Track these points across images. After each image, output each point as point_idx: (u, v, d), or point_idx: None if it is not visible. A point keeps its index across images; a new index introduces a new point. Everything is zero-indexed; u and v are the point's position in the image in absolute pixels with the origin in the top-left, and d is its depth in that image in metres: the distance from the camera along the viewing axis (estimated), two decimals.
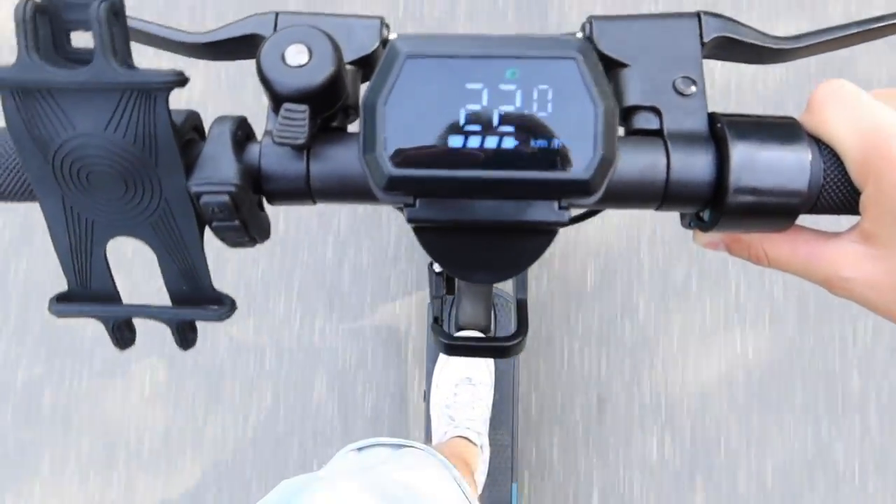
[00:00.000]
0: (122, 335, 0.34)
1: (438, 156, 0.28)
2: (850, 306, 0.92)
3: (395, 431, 1.25)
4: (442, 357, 1.17)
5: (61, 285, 0.32)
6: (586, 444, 1.25)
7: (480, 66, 0.28)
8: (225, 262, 1.33)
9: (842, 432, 1.25)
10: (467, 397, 1.11)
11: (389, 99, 0.28)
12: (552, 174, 0.28)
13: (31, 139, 0.28)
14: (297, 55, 0.29)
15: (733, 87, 1.34)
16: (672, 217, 0.35)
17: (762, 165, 0.29)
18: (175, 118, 0.30)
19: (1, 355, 1.32)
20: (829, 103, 0.30)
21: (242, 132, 0.31)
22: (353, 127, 0.32)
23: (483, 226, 0.30)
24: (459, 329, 1.10)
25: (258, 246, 0.32)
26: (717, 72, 1.33)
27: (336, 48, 0.29)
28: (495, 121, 0.28)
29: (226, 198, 0.29)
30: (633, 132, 0.33)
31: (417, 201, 0.30)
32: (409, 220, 0.30)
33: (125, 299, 0.33)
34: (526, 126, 0.28)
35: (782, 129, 0.30)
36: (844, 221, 0.31)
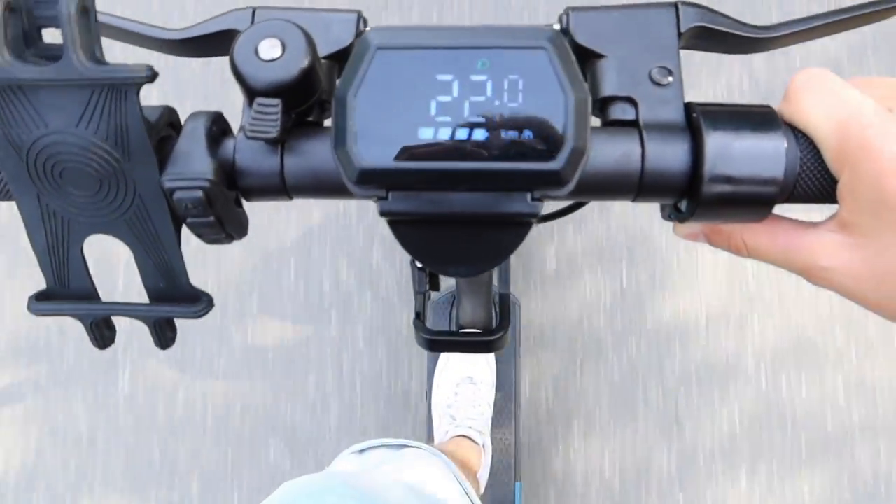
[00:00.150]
0: (102, 334, 0.34)
1: (409, 148, 0.28)
2: None
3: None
4: (443, 357, 1.16)
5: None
6: None
7: (451, 57, 0.28)
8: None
9: None
10: (469, 396, 1.11)
11: (360, 91, 0.28)
12: (523, 165, 0.28)
13: (5, 137, 0.28)
14: (270, 49, 0.29)
15: None
16: None
17: (737, 154, 0.29)
18: (150, 114, 0.30)
19: None
20: (806, 91, 0.30)
21: (217, 127, 0.31)
22: (330, 122, 0.32)
23: (456, 218, 0.30)
24: (460, 328, 1.10)
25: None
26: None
27: (310, 42, 0.29)
28: (466, 112, 0.28)
29: (199, 193, 0.29)
30: (609, 123, 0.32)
31: (390, 194, 0.30)
32: (382, 214, 0.30)
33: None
34: (497, 117, 0.28)
35: (758, 118, 0.30)
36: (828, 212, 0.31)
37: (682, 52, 0.33)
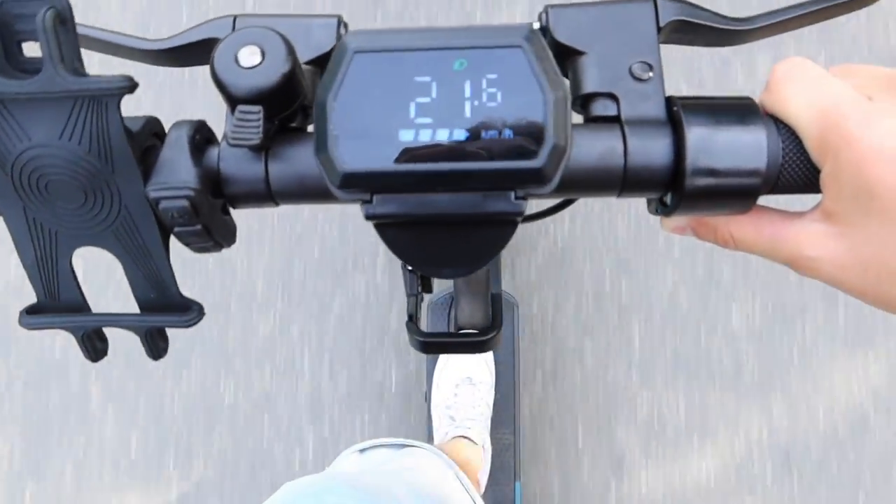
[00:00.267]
0: (94, 345, 0.34)
1: (390, 151, 0.28)
2: None
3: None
4: (442, 358, 1.16)
5: None
6: None
7: (428, 59, 0.28)
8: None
9: None
10: (468, 397, 1.11)
11: (339, 96, 0.28)
12: (505, 164, 0.28)
13: None
14: (249, 56, 0.29)
15: None
16: None
17: (719, 146, 0.29)
18: (132, 125, 0.30)
19: None
20: (787, 81, 0.30)
21: (201, 136, 0.31)
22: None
23: (441, 219, 0.30)
24: (459, 329, 1.10)
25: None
26: None
27: (289, 48, 0.29)
28: (445, 113, 0.28)
29: (185, 202, 0.29)
30: (591, 119, 0.32)
31: (374, 198, 0.30)
32: (367, 217, 0.30)
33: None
34: (476, 117, 0.28)
35: (739, 110, 0.30)
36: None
37: (662, 47, 0.33)
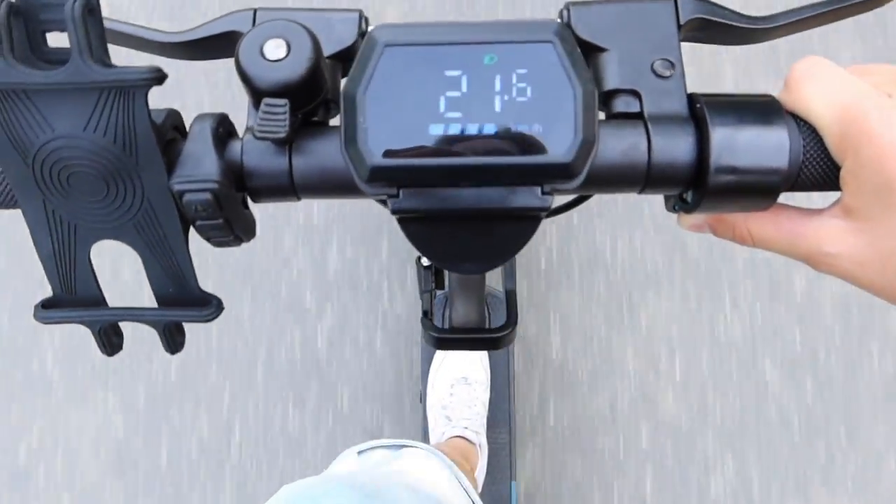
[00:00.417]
0: (110, 340, 0.33)
1: (420, 145, 0.28)
2: None
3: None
4: (437, 357, 1.16)
5: None
6: None
7: (458, 53, 0.28)
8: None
9: None
10: (463, 397, 1.11)
11: (369, 89, 0.28)
12: (533, 158, 0.28)
13: (10, 143, 0.28)
14: (275, 49, 0.29)
15: None
16: None
17: (742, 144, 0.29)
18: (155, 117, 0.29)
19: None
20: (807, 80, 0.30)
21: (224, 129, 0.31)
22: (335, 121, 0.33)
23: (467, 214, 0.30)
24: (453, 328, 1.10)
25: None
26: None
27: (315, 41, 0.29)
28: (475, 107, 0.28)
29: (208, 195, 0.29)
30: (613, 116, 0.33)
31: (401, 192, 0.30)
32: (394, 212, 0.30)
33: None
34: (506, 111, 0.28)
35: (761, 108, 0.30)
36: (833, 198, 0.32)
37: (682, 45, 0.33)
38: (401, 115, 0.28)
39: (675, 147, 0.31)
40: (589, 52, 0.33)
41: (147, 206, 0.30)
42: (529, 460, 1.24)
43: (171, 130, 0.31)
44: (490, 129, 0.28)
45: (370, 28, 0.34)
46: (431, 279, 0.48)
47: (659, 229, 1.32)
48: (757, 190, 0.30)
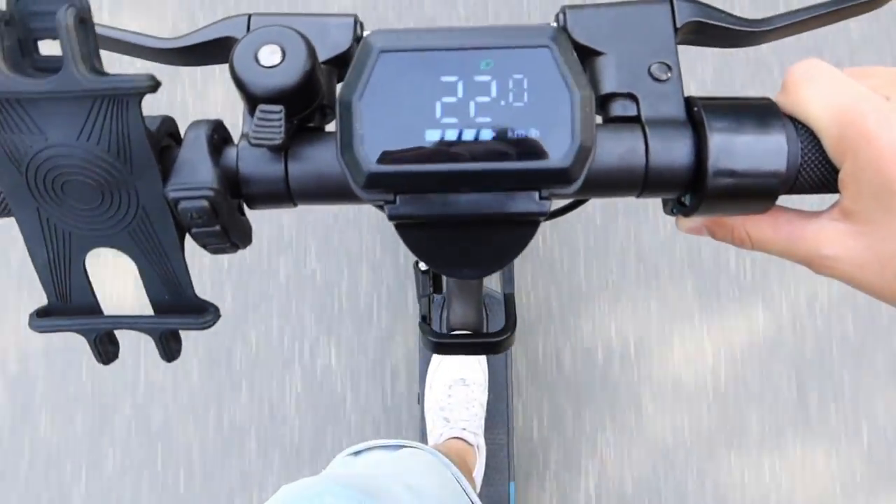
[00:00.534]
0: (105, 348, 0.33)
1: (416, 150, 0.28)
2: None
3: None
4: (434, 359, 1.16)
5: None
6: None
7: (454, 59, 0.28)
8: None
9: None
10: (461, 398, 1.11)
11: (364, 95, 0.28)
12: (531, 164, 0.28)
13: (3, 152, 0.28)
14: (270, 55, 0.28)
15: None
16: None
17: (740, 147, 0.29)
18: (149, 124, 0.29)
19: None
20: (804, 83, 0.30)
21: (219, 136, 0.31)
22: (331, 127, 0.32)
23: (464, 220, 0.30)
24: (451, 330, 1.10)
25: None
26: None
27: (310, 47, 0.29)
28: (472, 112, 0.28)
29: (204, 202, 0.29)
30: (610, 120, 0.33)
31: (398, 198, 0.30)
32: (391, 218, 0.30)
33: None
34: (502, 116, 0.28)
35: (759, 111, 0.30)
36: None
37: (679, 47, 0.33)
38: (397, 121, 0.28)
39: (673, 151, 0.30)
40: (585, 56, 0.33)
41: (142, 213, 0.30)
42: None
43: (166, 137, 0.31)
44: (487, 134, 0.28)
45: (365, 33, 0.33)
46: (429, 284, 0.48)
47: None
48: (755, 193, 0.30)
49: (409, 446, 0.78)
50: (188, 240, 0.31)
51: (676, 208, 0.34)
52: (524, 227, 0.31)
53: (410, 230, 0.32)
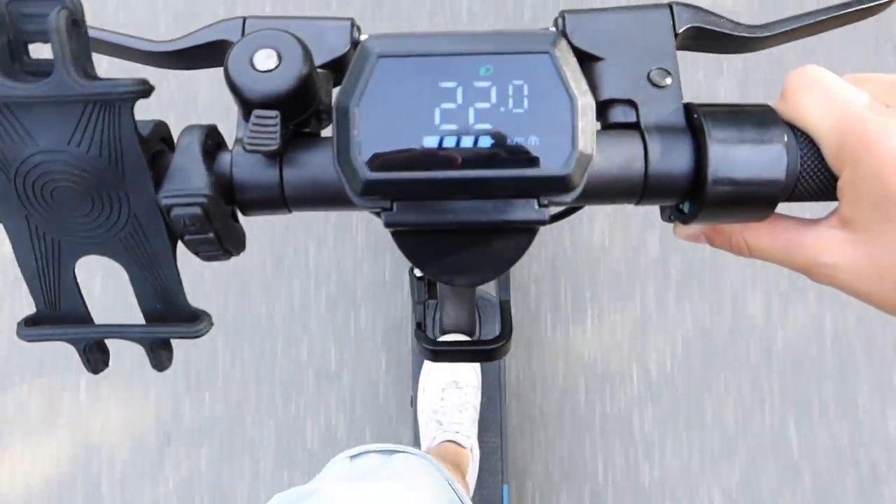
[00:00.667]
0: (95, 358, 0.32)
1: (414, 157, 0.28)
2: None
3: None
4: (427, 361, 1.16)
5: None
6: None
7: (454, 64, 0.28)
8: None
9: None
10: (454, 401, 1.10)
11: (362, 100, 0.28)
12: (530, 171, 0.28)
13: None
14: (265, 60, 0.28)
15: None
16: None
17: (740, 155, 0.29)
18: (142, 129, 0.29)
19: None
20: (804, 90, 0.30)
21: (212, 141, 0.31)
22: (327, 132, 0.32)
23: (462, 227, 0.30)
24: (444, 333, 1.10)
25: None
26: None
27: (306, 51, 0.28)
28: (471, 119, 0.28)
29: (197, 210, 0.28)
30: (609, 126, 0.32)
31: (395, 205, 0.29)
32: (387, 225, 0.30)
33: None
34: (502, 123, 0.28)
35: (758, 118, 0.30)
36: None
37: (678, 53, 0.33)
38: (395, 127, 0.28)
39: (672, 158, 0.30)
40: (584, 61, 0.33)
41: (134, 220, 0.29)
42: None
43: (159, 143, 0.30)
44: (486, 141, 0.28)
45: (362, 37, 0.33)
46: (424, 290, 0.48)
47: None
48: (754, 201, 0.30)
49: (402, 451, 0.78)
50: (182, 248, 0.31)
51: (675, 215, 0.33)
52: (522, 234, 0.31)
53: (407, 237, 0.31)
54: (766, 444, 1.25)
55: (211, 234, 0.29)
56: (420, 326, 0.43)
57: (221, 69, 0.29)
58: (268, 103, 0.28)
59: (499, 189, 0.28)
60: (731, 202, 0.30)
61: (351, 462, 0.76)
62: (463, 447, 1.08)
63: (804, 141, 0.30)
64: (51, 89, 0.26)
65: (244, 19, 0.33)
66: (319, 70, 0.32)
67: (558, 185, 0.28)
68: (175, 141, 0.30)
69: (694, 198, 0.31)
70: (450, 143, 0.28)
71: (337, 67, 0.33)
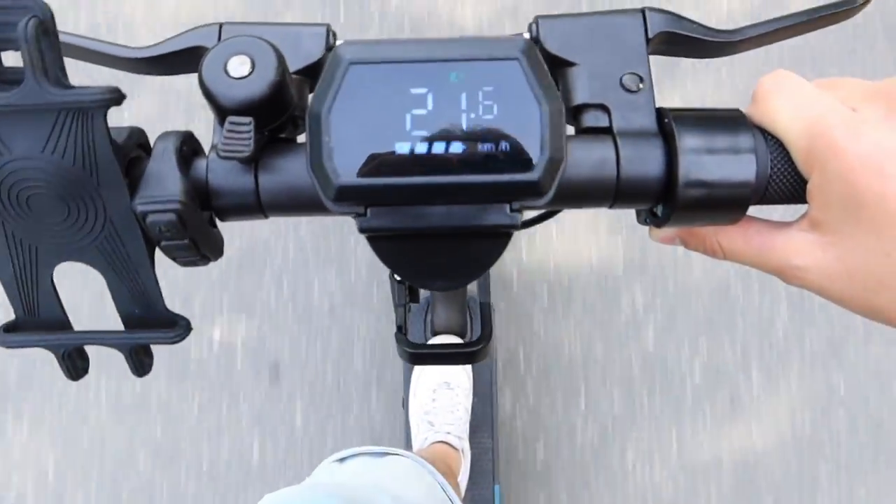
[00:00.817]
0: (75, 364, 0.33)
1: (386, 163, 0.28)
2: None
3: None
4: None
5: None
6: None
7: (424, 71, 0.28)
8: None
9: None
10: (446, 402, 1.10)
11: (334, 107, 0.28)
12: (501, 177, 0.28)
13: None
14: (239, 66, 0.28)
15: None
16: None
17: (710, 159, 0.29)
18: (117, 135, 0.29)
19: None
20: (774, 94, 0.30)
21: (188, 147, 0.31)
22: (303, 138, 0.32)
23: (436, 232, 0.30)
24: (435, 334, 1.10)
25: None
26: None
27: (279, 58, 0.29)
28: (442, 125, 0.28)
29: (172, 216, 0.28)
30: (582, 131, 0.33)
31: (368, 210, 0.29)
32: (361, 231, 0.30)
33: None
34: (472, 129, 0.28)
35: (729, 122, 0.30)
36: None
37: (651, 58, 0.33)
38: (366, 133, 0.28)
39: (644, 162, 0.31)
40: (558, 67, 0.33)
41: (110, 227, 0.29)
42: None
43: (136, 148, 0.31)
44: (457, 147, 0.28)
45: (338, 42, 0.33)
46: (405, 294, 0.48)
47: None
48: (726, 204, 0.30)
49: (393, 453, 0.78)
50: (160, 254, 0.31)
51: (649, 219, 0.34)
52: (497, 238, 0.31)
53: (382, 242, 0.31)
54: None
55: (187, 241, 0.29)
56: (401, 329, 0.43)
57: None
58: (241, 110, 0.28)
59: (470, 194, 0.29)
60: (702, 205, 0.30)
61: (341, 465, 0.76)
62: (454, 448, 1.08)
63: (774, 145, 0.30)
64: (22, 98, 0.26)
65: (220, 25, 0.34)
66: (295, 76, 0.33)
67: (529, 189, 0.28)
68: (152, 147, 0.30)
69: (666, 201, 0.31)
70: (421, 149, 0.28)
71: (312, 73, 0.33)
